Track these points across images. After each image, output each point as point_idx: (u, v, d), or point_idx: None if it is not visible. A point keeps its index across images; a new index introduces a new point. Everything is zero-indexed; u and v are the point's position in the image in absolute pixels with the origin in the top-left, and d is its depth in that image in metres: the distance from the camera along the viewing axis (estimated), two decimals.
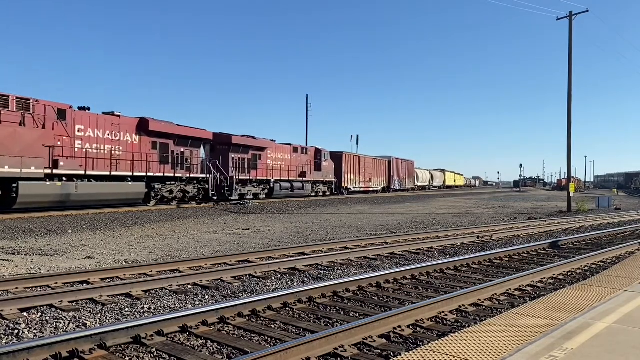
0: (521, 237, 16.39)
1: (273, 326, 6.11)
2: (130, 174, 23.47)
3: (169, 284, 8.20)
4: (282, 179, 36.02)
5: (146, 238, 15.14)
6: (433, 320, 6.37)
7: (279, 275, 9.41)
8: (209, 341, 5.51)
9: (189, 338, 5.61)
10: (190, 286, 8.33)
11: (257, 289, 8.31)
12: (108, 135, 22.94)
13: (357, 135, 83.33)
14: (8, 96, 18.51)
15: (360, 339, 5.44)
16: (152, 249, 12.85)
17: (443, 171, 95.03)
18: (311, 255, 11.26)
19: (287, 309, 6.83)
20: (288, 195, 36.99)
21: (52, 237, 14.89)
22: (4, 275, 9.14)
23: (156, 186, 25.22)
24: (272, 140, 36.02)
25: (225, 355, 5.16)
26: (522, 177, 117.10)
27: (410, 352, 4.42)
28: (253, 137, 33.38)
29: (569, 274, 9.92)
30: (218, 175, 29.80)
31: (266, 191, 34.51)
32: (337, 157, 46.24)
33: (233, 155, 31.41)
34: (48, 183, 19.40)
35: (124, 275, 8.95)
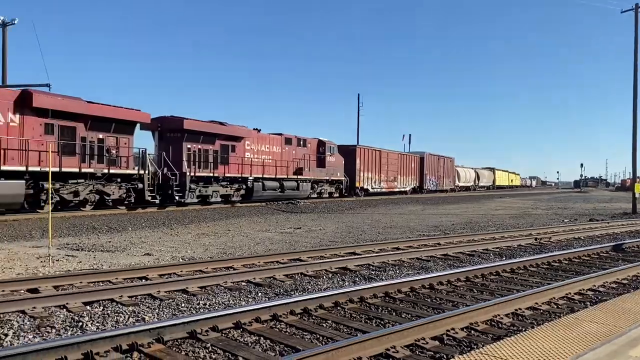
0: (582, 240, 15.76)
1: (324, 325, 6.14)
2: None
3: (224, 281, 8.38)
4: (266, 176, 28.78)
5: (202, 236, 15.53)
6: (488, 323, 6.22)
7: (330, 275, 9.44)
8: (261, 338, 5.60)
9: (242, 334, 5.71)
10: (244, 283, 8.48)
11: (309, 287, 8.37)
12: None
13: (410, 135, 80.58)
14: None
15: (412, 340, 5.38)
16: (208, 247, 13.18)
17: (492, 170, 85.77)
18: (362, 255, 11.23)
19: (339, 308, 6.85)
20: (276, 198, 30.06)
21: (114, 234, 15.52)
22: (68, 270, 9.61)
23: (45, 185, 17.55)
24: (257, 130, 29.28)
25: (277, 352, 5.22)
26: (583, 177, 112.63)
27: (464, 355, 4.34)
28: (221, 123, 26.36)
29: (633, 278, 9.46)
30: (161, 172, 22.87)
31: (242, 191, 27.61)
32: (348, 151, 38.37)
33: (189, 146, 24.50)
34: None
35: (181, 271, 9.22)
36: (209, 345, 5.31)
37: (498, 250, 13.07)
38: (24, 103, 17.74)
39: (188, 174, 23.55)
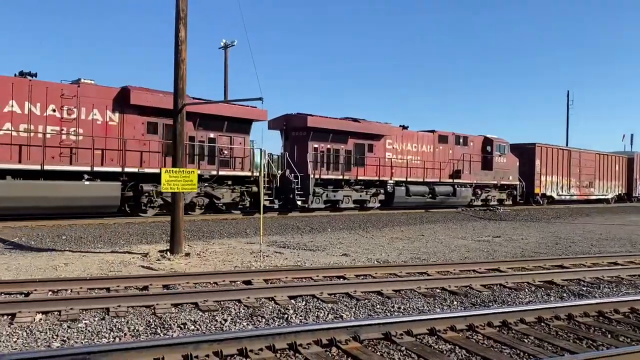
0: None
1: (526, 340, 5.72)
2: (88, 168, 15.90)
3: (418, 286, 8.36)
4: (411, 179, 25.39)
5: (396, 240, 15.72)
6: None
7: (533, 288, 8.78)
8: (457, 347, 5.44)
9: (437, 341, 5.61)
10: (438, 290, 8.35)
11: (509, 300, 7.90)
12: (58, 111, 15.75)
13: (631, 135, 67.27)
14: None
15: None
16: (401, 251, 13.28)
17: None
18: (571, 269, 10.24)
19: (542, 324, 6.33)
20: (425, 205, 26.21)
21: (315, 234, 16.57)
22: (276, 266, 10.52)
23: (145, 187, 17.20)
24: (403, 127, 26.11)
25: None
26: None
27: None
28: (355, 120, 23.72)
29: None
30: (282, 174, 21.39)
31: (381, 197, 24.44)
32: (524, 151, 32.67)
33: (316, 145, 22.27)
34: None
35: (376, 273, 9.44)
36: (403, 348, 5.33)
37: None
38: (123, 101, 16.90)
39: (312, 176, 21.40)
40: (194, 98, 16.10)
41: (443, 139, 27.69)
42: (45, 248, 12.31)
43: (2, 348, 5.22)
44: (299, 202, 21.10)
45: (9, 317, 6.15)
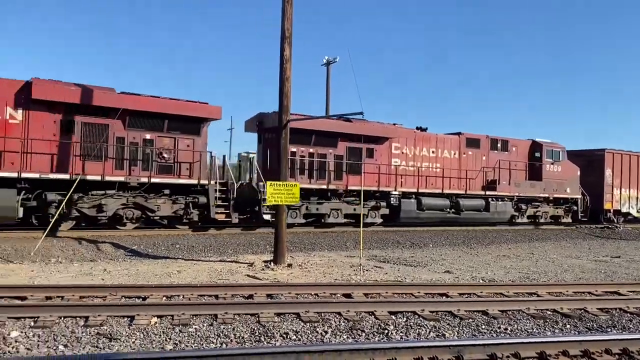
0: None
1: None
2: None
3: (526, 307, 7.91)
4: (426, 190, 21.25)
5: (502, 257, 15.02)
6: None
7: None
8: None
9: None
10: (549, 312, 7.85)
11: (630, 326, 7.24)
12: None
13: None
14: None
15: None
16: (509, 269, 12.66)
17: None
18: None
19: None
20: (446, 220, 21.95)
21: (416, 250, 16.29)
22: (376, 280, 10.46)
23: (49, 197, 14.30)
24: (420, 129, 22.11)
25: None
26: None
27: None
28: (347, 119, 19.45)
29: None
30: (244, 182, 18.94)
31: (384, 210, 20.47)
32: (589, 158, 27.12)
33: (294, 149, 18.42)
34: None
35: (481, 292, 9.07)
36: None
37: None
38: (27, 94, 14.33)
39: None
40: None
41: (472, 142, 23.16)
42: (160, 256, 13.20)
43: (122, 347, 5.66)
44: (266, 216, 17.77)
45: (129, 319, 6.65)
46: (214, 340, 5.97)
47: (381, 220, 20.49)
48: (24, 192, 14.16)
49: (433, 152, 22.10)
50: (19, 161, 14.12)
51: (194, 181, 16.47)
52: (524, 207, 24.33)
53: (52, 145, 14.63)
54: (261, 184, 17.44)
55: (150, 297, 7.94)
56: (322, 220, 19.32)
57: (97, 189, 15.10)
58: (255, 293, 8.34)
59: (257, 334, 6.25)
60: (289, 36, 12.06)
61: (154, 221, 16.60)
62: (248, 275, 10.72)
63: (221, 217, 16.93)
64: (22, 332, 5.99)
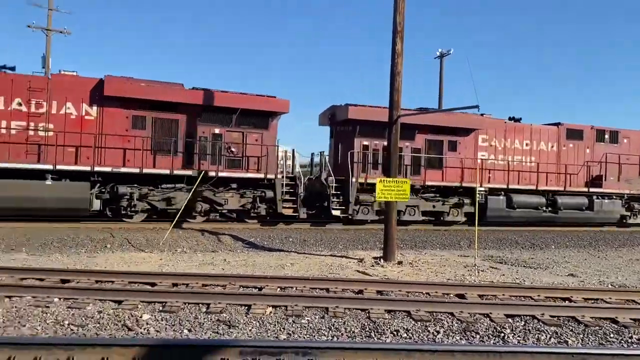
0: None
1: None
2: (50, 167, 14.31)
3: None
4: (518, 187, 19.64)
5: (636, 262, 13.72)
6: None
7: None
8: None
9: None
10: None
11: None
12: (24, 105, 14.58)
13: None
14: None
15: None
16: None
17: None
18: None
19: None
20: (541, 220, 20.15)
21: (536, 251, 15.37)
22: (492, 281, 10.04)
23: (121, 189, 15.11)
24: (513, 119, 20.63)
25: None
26: None
27: None
28: (426, 110, 18.25)
29: None
30: (313, 177, 18.53)
31: (467, 208, 18.89)
32: None
33: (366, 142, 18.09)
34: None
35: (609, 298, 8.36)
36: None
37: None
38: (101, 92, 15.07)
39: (353, 180, 17.23)
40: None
41: (574, 134, 21.03)
42: (275, 248, 13.70)
43: (240, 335, 5.96)
44: (335, 212, 17.37)
45: (246, 307, 6.98)
46: (326, 333, 6.09)
47: (464, 219, 19.09)
48: (98, 185, 15.01)
49: (527, 144, 20.38)
50: (94, 155, 14.87)
51: (261, 175, 16.52)
52: (637, 206, 21.79)
53: (124, 140, 15.29)
54: (331, 178, 17.38)
55: (266, 287, 8.27)
56: (397, 218, 18.52)
57: (166, 182, 15.76)
58: (365, 289, 8.37)
59: (367, 329, 6.28)
60: (401, 30, 11.92)
61: (223, 214, 16.86)
62: (358, 271, 10.79)
63: (288, 212, 16.84)
64: (152, 315, 6.52)
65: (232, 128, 16.61)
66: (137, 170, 15.03)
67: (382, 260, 11.83)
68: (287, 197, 16.80)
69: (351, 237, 15.64)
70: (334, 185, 17.30)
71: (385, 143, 17.52)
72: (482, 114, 19.39)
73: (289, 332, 6.10)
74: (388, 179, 11.88)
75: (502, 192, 19.40)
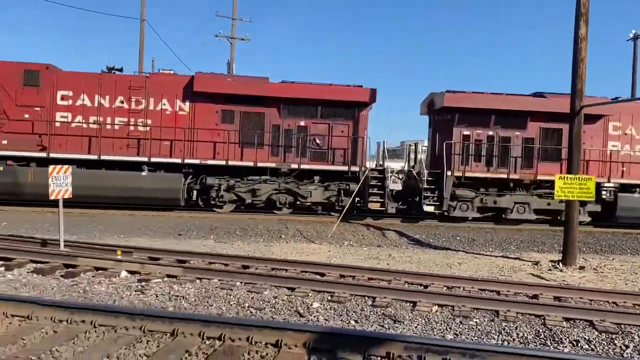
0: None
1: None
2: (146, 159, 15.51)
3: None
4: None
5: None
6: None
7: None
8: None
9: None
10: None
11: None
12: (126, 102, 15.86)
13: None
14: None
15: None
16: None
17: None
18: None
19: None
20: None
21: None
22: None
23: (209, 180, 15.86)
24: None
25: None
26: None
27: None
28: (540, 95, 16.48)
29: None
30: (388, 169, 16.91)
31: (591, 207, 16.20)
32: None
33: (466, 132, 16.47)
34: None
35: None
36: None
37: None
38: (192, 88, 15.98)
39: (449, 173, 15.83)
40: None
41: None
42: (441, 246, 13.43)
43: (405, 330, 5.96)
44: (427, 208, 16.16)
45: (411, 304, 6.95)
46: (495, 337, 5.81)
47: (589, 218, 16.54)
48: (190, 176, 15.94)
49: None
50: (186, 149, 15.82)
51: (344, 167, 16.23)
52: None
53: (214, 133, 15.97)
54: (423, 171, 16.38)
55: (432, 285, 8.16)
56: (503, 216, 16.53)
57: (252, 174, 16.19)
58: (541, 294, 7.81)
59: (542, 336, 5.85)
60: (585, 12, 10.86)
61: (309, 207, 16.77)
62: (532, 274, 10.10)
63: (375, 206, 16.16)
64: (321, 304, 6.83)
65: (318, 120, 16.50)
66: (223, 163, 15.75)
67: (560, 264, 10.93)
68: (375, 190, 16.24)
69: (525, 237, 14.67)
70: (428, 179, 16.34)
71: (490, 132, 16.67)
72: (616, 98, 15.74)
73: (456, 332, 5.93)
74: (569, 176, 10.95)
75: (638, 189, 16.77)
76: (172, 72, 16.71)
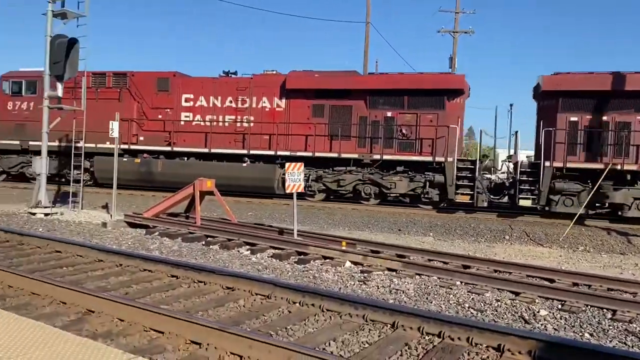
0: None
1: None
2: (245, 151, 17.29)
3: None
4: None
5: None
6: None
7: None
8: None
9: None
10: None
11: None
12: (234, 102, 17.76)
13: None
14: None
15: None
16: None
17: None
18: None
19: None
20: None
21: None
22: None
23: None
24: None
25: None
26: None
27: None
28: None
29: None
30: (479, 160, 15.95)
31: None
32: None
33: (573, 118, 14.25)
34: (125, 159, 17.67)
35: None
36: None
37: None
38: (287, 86, 17.06)
39: (547, 164, 14.09)
40: None
41: None
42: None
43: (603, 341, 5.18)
44: (521, 202, 14.62)
45: None
46: None
47: None
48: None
49: None
50: (282, 142, 17.03)
51: (428, 158, 15.70)
52: None
53: (306, 127, 16.77)
54: (518, 162, 15.12)
55: None
56: (619, 213, 14.14)
57: (338, 165, 16.70)
58: None
59: None
60: None
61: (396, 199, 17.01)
62: None
63: (463, 199, 15.21)
64: (549, 312, 6.28)
65: (405, 110, 16.26)
66: (310, 154, 16.47)
67: None
68: (465, 182, 15.24)
69: None
70: (526, 170, 14.96)
71: (605, 118, 14.29)
72: None
73: None
74: None
75: None
76: (274, 72, 17.97)
